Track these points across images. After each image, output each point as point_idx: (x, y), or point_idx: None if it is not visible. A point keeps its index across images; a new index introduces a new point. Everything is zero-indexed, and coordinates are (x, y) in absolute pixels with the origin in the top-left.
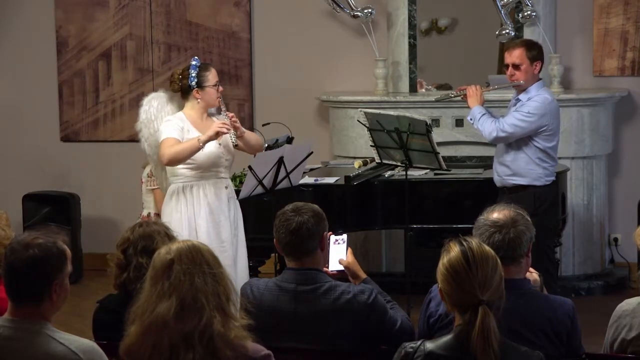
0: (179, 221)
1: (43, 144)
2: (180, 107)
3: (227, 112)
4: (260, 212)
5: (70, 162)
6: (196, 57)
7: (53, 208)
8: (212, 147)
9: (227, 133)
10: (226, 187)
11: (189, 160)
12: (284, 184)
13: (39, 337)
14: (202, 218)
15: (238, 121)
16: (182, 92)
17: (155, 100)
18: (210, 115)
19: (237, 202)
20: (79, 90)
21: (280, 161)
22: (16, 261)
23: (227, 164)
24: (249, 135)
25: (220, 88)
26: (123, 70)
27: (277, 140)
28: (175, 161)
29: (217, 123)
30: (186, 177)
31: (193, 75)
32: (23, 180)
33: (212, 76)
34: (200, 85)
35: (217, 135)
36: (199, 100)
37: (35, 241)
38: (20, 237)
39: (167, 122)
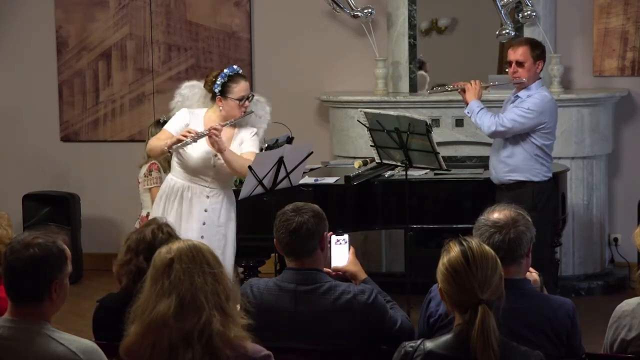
0: (159, 199)
1: (43, 144)
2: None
3: (219, 125)
4: (260, 212)
5: (70, 162)
6: (233, 66)
7: (53, 208)
8: (200, 153)
9: (184, 140)
10: (207, 197)
11: (181, 157)
12: (284, 184)
13: (39, 337)
14: (172, 217)
15: (219, 136)
16: (211, 94)
17: (197, 87)
18: (231, 125)
19: (228, 207)
20: (79, 90)
21: (280, 161)
22: (16, 261)
23: (216, 176)
24: (231, 156)
25: (247, 103)
26: (123, 70)
27: (277, 140)
28: (150, 154)
29: (183, 131)
30: (176, 172)
31: (218, 82)
32: (23, 180)
33: (238, 89)
34: (223, 94)
35: (179, 141)
36: (220, 108)
37: (35, 241)
38: (20, 236)
39: (178, 113)
